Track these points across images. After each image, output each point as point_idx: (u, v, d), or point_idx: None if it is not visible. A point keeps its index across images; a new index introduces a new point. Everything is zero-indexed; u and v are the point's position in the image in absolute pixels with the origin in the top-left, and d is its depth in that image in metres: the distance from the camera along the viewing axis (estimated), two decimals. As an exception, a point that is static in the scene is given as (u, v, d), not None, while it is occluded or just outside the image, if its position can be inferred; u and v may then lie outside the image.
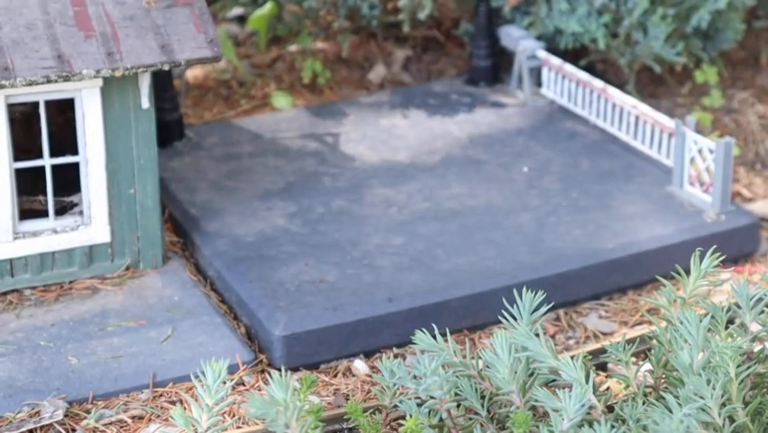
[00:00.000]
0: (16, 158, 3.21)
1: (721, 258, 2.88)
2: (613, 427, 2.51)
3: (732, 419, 2.57)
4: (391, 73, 4.60)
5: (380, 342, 3.20)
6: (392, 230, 3.52)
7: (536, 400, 2.57)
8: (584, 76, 4.05)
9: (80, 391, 2.97)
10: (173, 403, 2.98)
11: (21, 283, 3.29)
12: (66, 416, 2.92)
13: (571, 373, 2.57)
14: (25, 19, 3.14)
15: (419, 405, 2.70)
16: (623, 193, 3.70)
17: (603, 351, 2.85)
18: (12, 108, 3.23)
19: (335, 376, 3.12)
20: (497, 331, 2.70)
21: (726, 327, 2.76)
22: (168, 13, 3.24)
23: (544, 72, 4.23)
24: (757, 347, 2.75)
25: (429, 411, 2.68)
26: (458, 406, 2.72)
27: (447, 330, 2.86)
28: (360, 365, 3.15)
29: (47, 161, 3.24)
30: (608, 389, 3.01)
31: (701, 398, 2.53)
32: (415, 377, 2.69)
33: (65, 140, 3.29)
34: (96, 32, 3.16)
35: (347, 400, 3.03)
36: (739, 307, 2.82)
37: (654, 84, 4.49)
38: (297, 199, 3.67)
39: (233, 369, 3.05)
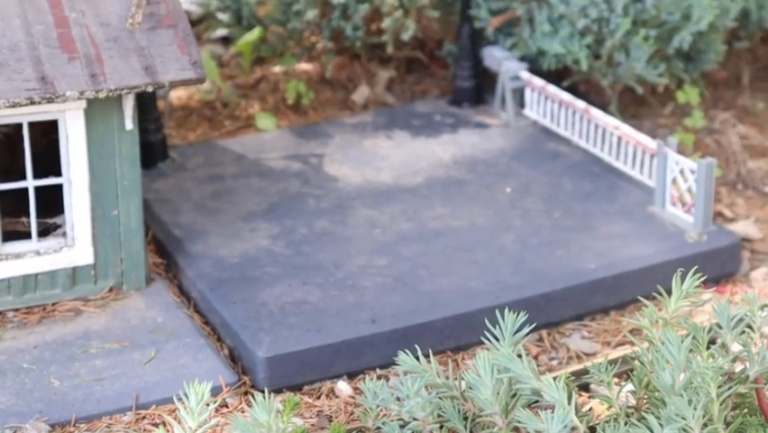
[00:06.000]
0: (-1, 180, 3.21)
1: (703, 278, 2.89)
2: (595, 448, 2.51)
3: (713, 440, 2.58)
4: (375, 94, 4.61)
5: (364, 363, 3.20)
6: (375, 251, 3.52)
7: (519, 422, 2.57)
8: (567, 97, 4.07)
9: (63, 414, 2.95)
10: (156, 425, 2.97)
11: (3, 305, 3.28)
12: (48, 438, 2.92)
13: (553, 395, 2.57)
14: (9, 41, 3.15)
15: (402, 426, 2.70)
16: (605, 213, 3.71)
17: (586, 372, 2.86)
18: (-5, 130, 3.24)
19: (319, 398, 3.12)
20: (479, 352, 2.70)
21: (708, 348, 2.77)
22: (152, 34, 3.25)
23: (527, 93, 4.25)
24: (738, 367, 2.76)
25: (412, 433, 2.68)
26: (441, 427, 2.72)
27: (430, 351, 2.86)
28: (343, 387, 3.15)
29: (30, 183, 3.24)
30: (590, 410, 3.01)
31: (683, 418, 2.53)
32: (398, 399, 2.69)
33: (48, 161, 3.29)
34: (80, 53, 3.16)
35: (330, 421, 3.03)
36: (720, 327, 2.83)
37: (637, 105, 4.51)
38: (281, 220, 3.68)
39: (216, 391, 3.05)
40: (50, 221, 3.35)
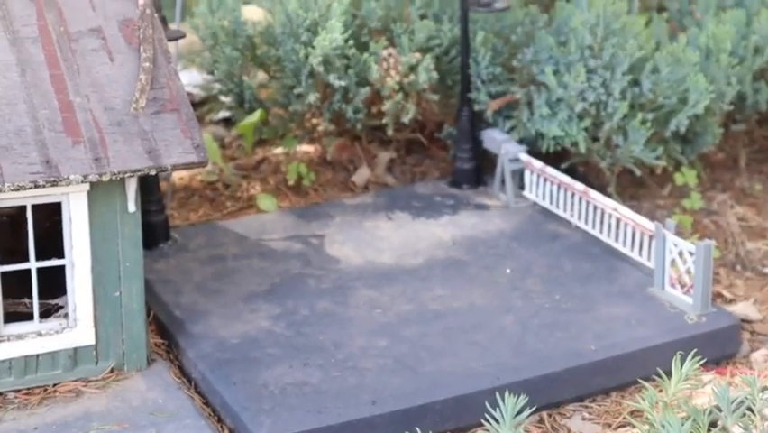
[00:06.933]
0: (2, 261, 3.22)
1: (702, 360, 2.90)
2: None
3: None
4: (375, 175, 4.65)
5: (364, 445, 3.20)
6: (376, 332, 3.53)
7: (520, 505, 2.56)
8: (566, 179, 4.11)
9: (62, 497, 2.95)
10: (156, 508, 2.96)
11: (4, 386, 3.28)
12: None
13: (554, 477, 2.57)
14: (14, 125, 3.19)
15: None
16: (605, 295, 3.73)
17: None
18: (-1, 212, 3.26)
19: (319, 480, 3.11)
20: (480, 434, 2.70)
21: (709, 431, 2.77)
22: (155, 118, 3.29)
23: (527, 175, 4.29)
24: (740, 450, 2.76)
25: None
26: None
27: (431, 433, 2.87)
28: (343, 469, 3.14)
29: (33, 265, 3.26)
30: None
31: (684, 502, 2.53)
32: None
33: (51, 243, 3.31)
34: (84, 137, 3.20)
35: (331, 504, 3.02)
36: (720, 410, 2.83)
37: (635, 186, 4.55)
38: (282, 301, 3.69)
39: (216, 473, 3.05)
40: (52, 302, 3.36)
